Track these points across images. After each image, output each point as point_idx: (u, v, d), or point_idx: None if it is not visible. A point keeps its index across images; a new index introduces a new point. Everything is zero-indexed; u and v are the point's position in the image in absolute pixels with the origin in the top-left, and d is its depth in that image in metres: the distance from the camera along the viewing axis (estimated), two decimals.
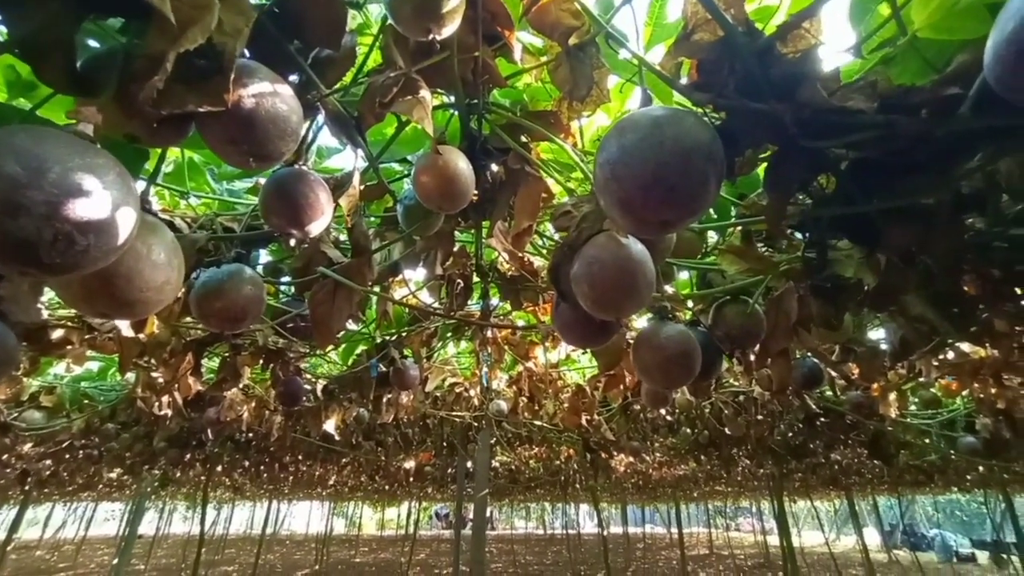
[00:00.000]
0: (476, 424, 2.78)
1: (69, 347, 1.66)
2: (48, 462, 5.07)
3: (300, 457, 5.63)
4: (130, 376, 2.48)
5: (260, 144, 0.53)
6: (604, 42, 0.70)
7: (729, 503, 19.40)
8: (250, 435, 4.24)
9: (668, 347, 0.77)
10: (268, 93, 0.52)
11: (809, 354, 1.64)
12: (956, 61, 0.48)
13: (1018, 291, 1.02)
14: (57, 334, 1.61)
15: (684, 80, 0.59)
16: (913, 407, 2.86)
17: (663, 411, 2.84)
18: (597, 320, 0.77)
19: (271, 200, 0.68)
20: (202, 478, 7.39)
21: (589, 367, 2.35)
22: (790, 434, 3.99)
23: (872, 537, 14.72)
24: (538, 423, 2.43)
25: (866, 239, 0.63)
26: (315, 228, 0.70)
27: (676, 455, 5.61)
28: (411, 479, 5.43)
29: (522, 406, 2.23)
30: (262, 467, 5.80)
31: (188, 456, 4.94)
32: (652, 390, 1.61)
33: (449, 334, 1.83)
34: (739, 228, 0.84)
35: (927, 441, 3.96)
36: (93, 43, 0.55)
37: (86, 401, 2.56)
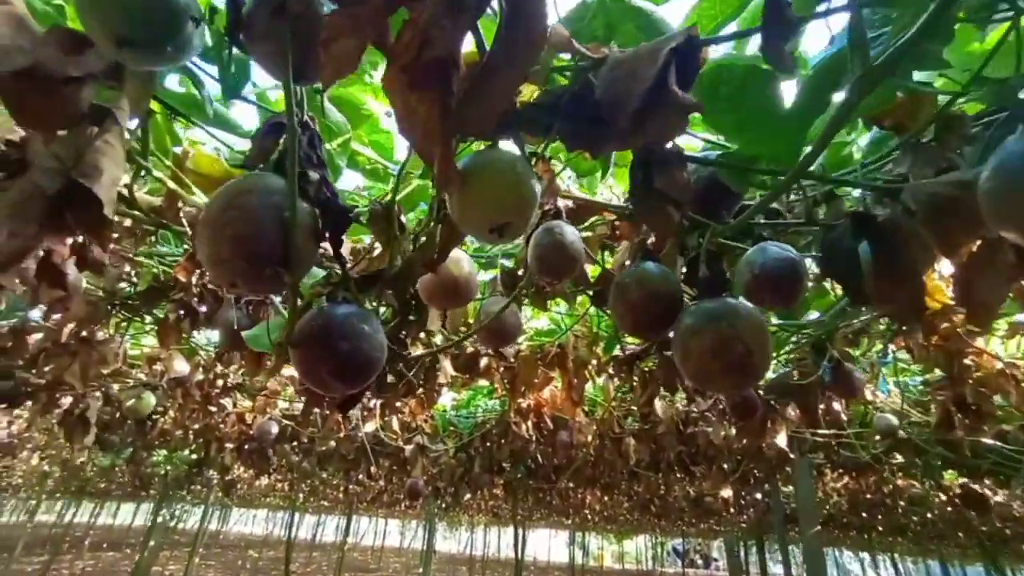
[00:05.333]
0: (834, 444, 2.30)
1: (489, 372, 1.84)
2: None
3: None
4: (493, 404, 2.78)
5: None
6: None
7: None
8: (544, 462, 4.39)
9: None
10: None
11: None
12: None
13: None
14: (483, 362, 1.81)
15: None
16: None
17: None
18: None
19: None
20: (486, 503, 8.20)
21: None
22: None
23: None
24: (987, 441, 1.85)
25: None
26: None
27: None
28: (730, 508, 4.96)
29: (955, 418, 1.72)
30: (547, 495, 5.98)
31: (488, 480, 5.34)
32: None
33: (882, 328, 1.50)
34: None
35: None
36: None
37: (451, 427, 2.95)
